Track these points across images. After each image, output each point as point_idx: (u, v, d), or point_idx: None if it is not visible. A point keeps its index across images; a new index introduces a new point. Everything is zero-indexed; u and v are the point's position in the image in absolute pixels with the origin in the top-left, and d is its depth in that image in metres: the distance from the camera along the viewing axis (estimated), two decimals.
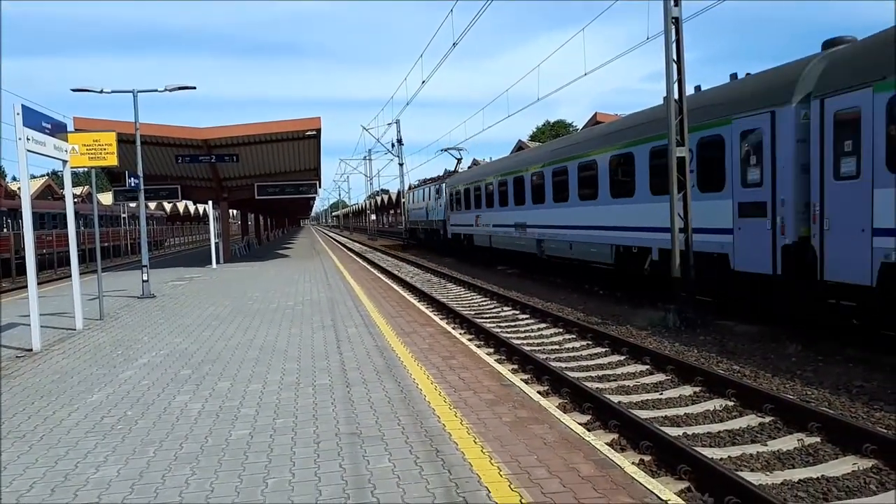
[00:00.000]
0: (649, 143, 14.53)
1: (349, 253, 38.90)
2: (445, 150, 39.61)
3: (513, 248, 24.29)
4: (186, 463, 5.24)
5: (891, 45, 8.92)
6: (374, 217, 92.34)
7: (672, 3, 12.47)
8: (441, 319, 12.62)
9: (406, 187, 51.16)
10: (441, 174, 41.17)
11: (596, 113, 34.40)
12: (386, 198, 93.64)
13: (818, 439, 6.55)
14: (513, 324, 14.09)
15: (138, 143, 18.41)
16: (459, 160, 39.16)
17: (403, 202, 44.34)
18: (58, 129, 11.34)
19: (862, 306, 9.84)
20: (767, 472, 5.91)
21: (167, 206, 72.84)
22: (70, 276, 12.80)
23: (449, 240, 34.80)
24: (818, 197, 9.96)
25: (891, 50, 8.87)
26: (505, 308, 16.28)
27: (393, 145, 52.25)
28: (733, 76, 13.16)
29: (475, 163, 43.87)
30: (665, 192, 13.21)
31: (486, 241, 27.66)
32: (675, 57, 12.56)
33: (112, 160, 13.34)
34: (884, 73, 8.82)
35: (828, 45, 11.01)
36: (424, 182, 42.97)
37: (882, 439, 6.09)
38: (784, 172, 10.68)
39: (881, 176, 8.90)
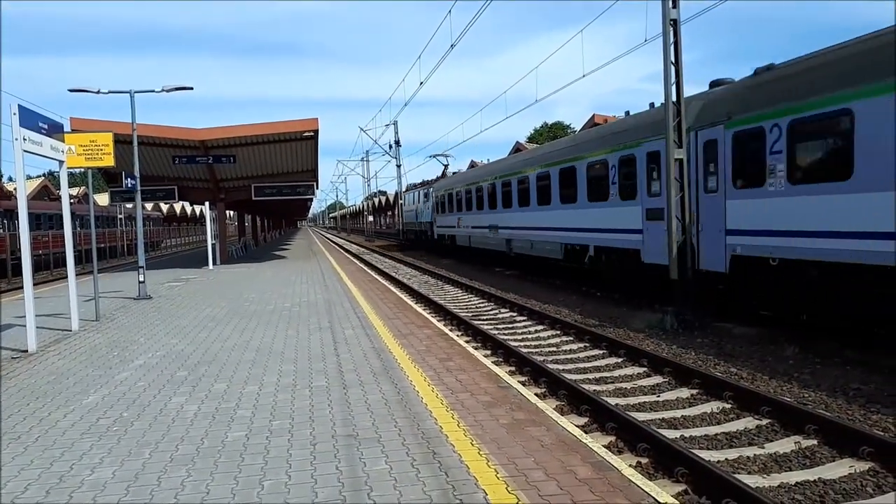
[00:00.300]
0: (585, 159, 17.72)
1: (346, 254, 38.87)
2: (433, 157, 43.62)
3: (487, 247, 27.36)
4: (182, 464, 5.22)
5: (737, 94, 12.13)
6: (371, 219, 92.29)
7: (670, 5, 12.49)
8: (438, 321, 12.60)
9: (403, 189, 51.23)
10: (439, 175, 43.66)
11: (594, 114, 34.42)
12: (383, 199, 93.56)
13: (815, 442, 6.55)
14: (510, 326, 14.09)
15: (135, 143, 18.38)
16: (446, 166, 42.77)
17: (401, 204, 45.70)
18: (54, 130, 11.32)
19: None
20: (764, 475, 5.91)
21: (164, 206, 72.78)
22: (66, 277, 12.76)
23: (435, 240, 37.95)
24: (695, 206, 12.78)
25: (736, 97, 12.05)
26: (503, 310, 16.27)
27: (391, 147, 52.29)
28: (713, 83, 13.56)
29: (473, 164, 44.73)
30: (598, 199, 16.70)
31: (466, 241, 30.87)
32: (673, 59, 12.58)
33: (109, 161, 13.31)
34: (730, 114, 11.85)
35: (713, 84, 13.43)
36: (415, 186, 45.62)
37: (879, 442, 6.09)
38: (689, 183, 12.95)
39: (730, 191, 11.86)
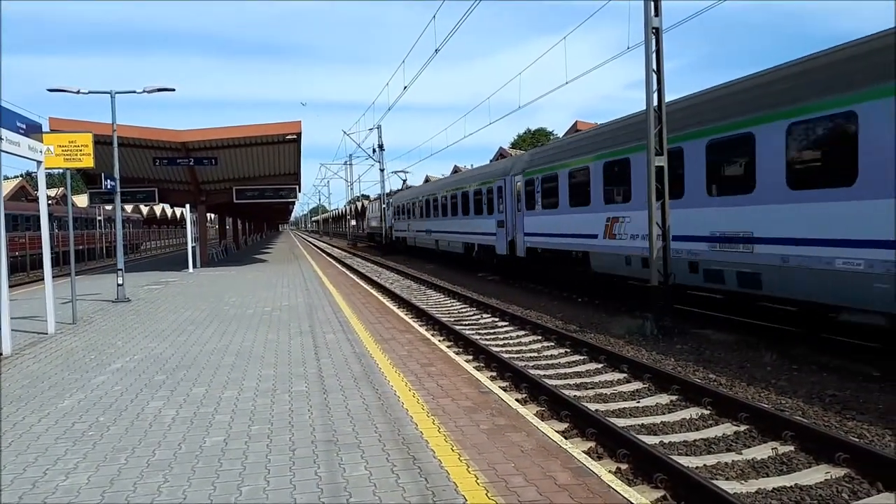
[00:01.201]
0: (470, 187, 27.38)
1: (328, 258, 38.72)
2: (395, 173, 53.11)
3: (426, 245, 36.49)
4: (159, 470, 5.16)
5: (526, 158, 21.73)
6: (354, 222, 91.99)
7: (652, 13, 12.59)
8: (420, 326, 12.58)
9: (386, 192, 51.34)
10: (398, 188, 52.40)
11: (577, 121, 34.62)
12: (367, 203, 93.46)
13: (792, 448, 6.61)
14: (492, 331, 14.10)
15: (115, 144, 18.19)
16: (405, 181, 52.65)
17: (384, 209, 49.04)
18: (32, 130, 11.17)
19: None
20: (742, 481, 5.95)
21: (144, 209, 72.00)
22: (43, 279, 12.58)
23: (392, 241, 47.39)
24: (516, 219, 21.94)
25: (525, 160, 21.27)
26: (484, 315, 16.29)
27: (374, 150, 52.13)
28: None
29: (456, 169, 45.53)
30: (477, 214, 26.50)
31: (413, 242, 40.20)
32: (655, 67, 12.68)
33: (88, 162, 13.15)
34: (523, 169, 21.24)
35: (535, 144, 27.45)
36: (378, 197, 54.49)
37: (854, 448, 6.16)
38: (510, 207, 22.55)
39: (525, 211, 20.95)
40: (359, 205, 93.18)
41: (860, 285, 9.07)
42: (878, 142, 8.78)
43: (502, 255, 23.28)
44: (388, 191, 52.02)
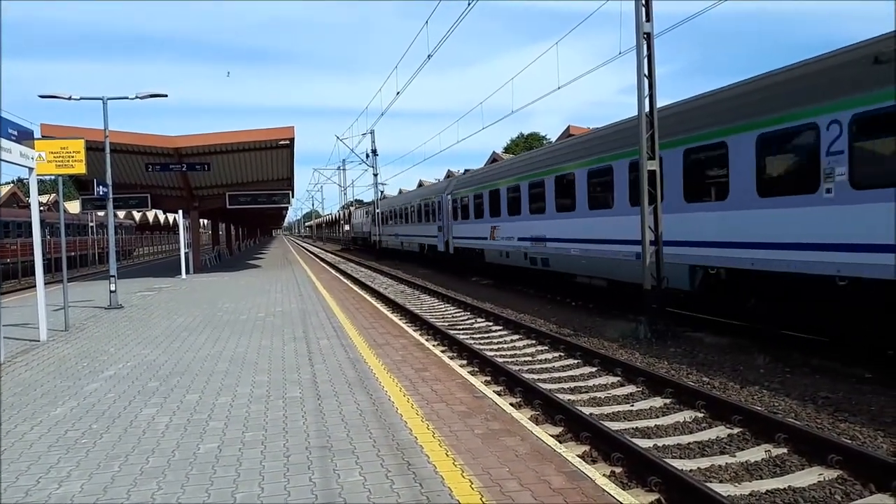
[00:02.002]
0: (419, 201, 35.93)
1: (322, 263, 38.67)
2: (374, 183, 59.86)
3: (396, 247, 44.09)
4: (153, 477, 5.14)
5: (455, 182, 30.35)
6: (347, 227, 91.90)
7: (644, 18, 12.66)
8: (414, 331, 12.57)
9: (380, 197, 51.39)
10: (417, 184, 56.10)
11: (569, 126, 34.71)
12: (353, 210, 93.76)
13: (785, 450, 6.64)
14: (486, 335, 14.10)
15: (108, 150, 18.13)
16: (383, 192, 59.89)
17: (365, 217, 58.47)
18: (24, 136, 11.14)
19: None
20: (736, 483, 5.97)
21: (136, 215, 71.68)
22: (35, 286, 12.53)
23: (372, 244, 52.61)
24: (450, 226, 29.44)
25: (455, 182, 30.13)
26: (478, 319, 16.29)
27: (367, 155, 52.15)
28: (466, 170, 30.00)
29: (449, 174, 45.89)
30: (427, 221, 34.17)
31: (387, 244, 47.18)
32: (646, 72, 12.75)
33: (80, 168, 13.13)
34: (451, 191, 29.30)
35: (465, 171, 33.98)
36: (361, 205, 62.73)
37: (847, 450, 6.19)
38: (446, 217, 29.82)
39: (451, 220, 29.17)
40: (352, 210, 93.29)
41: (611, 265, 15.34)
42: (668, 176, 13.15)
43: (441, 252, 31.40)
44: (382, 196, 52.20)
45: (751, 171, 10.91)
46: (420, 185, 54.04)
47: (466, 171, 33.44)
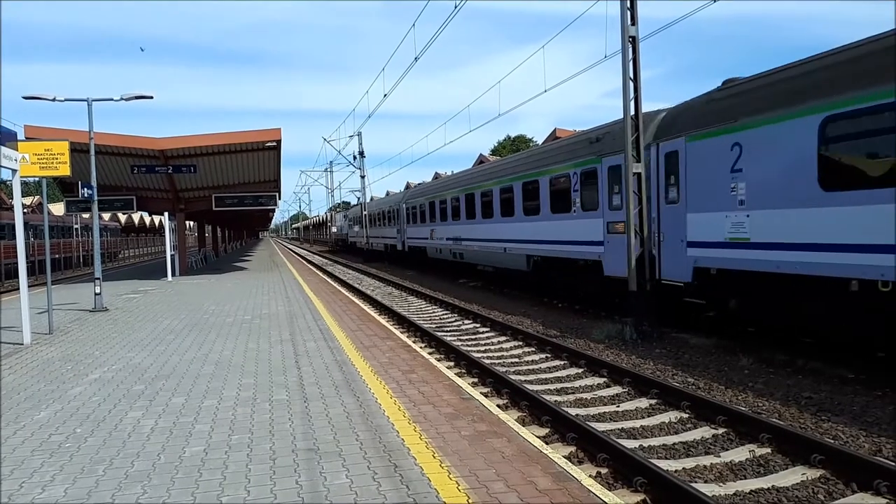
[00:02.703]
0: (378, 210, 44.62)
1: (309, 266, 38.57)
2: (352, 192, 69.87)
3: (365, 248, 49.81)
4: (138, 481, 5.12)
5: (408, 193, 37.23)
6: (334, 229, 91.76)
7: (629, 22, 12.75)
8: (402, 333, 12.58)
9: (368, 199, 51.38)
10: (405, 186, 57.09)
11: (556, 129, 34.83)
12: (334, 214, 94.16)
13: (769, 450, 6.70)
14: (473, 337, 14.12)
15: (92, 152, 18.00)
16: (359, 199, 65.59)
17: (330, 223, 67.79)
18: (7, 138, 11.06)
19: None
20: (720, 483, 6.03)
21: (122, 217, 71.16)
22: (18, 288, 12.41)
23: (348, 245, 61.07)
24: (405, 229, 35.96)
25: (408, 194, 37.05)
26: (466, 321, 16.31)
27: (355, 157, 52.07)
28: (407, 185, 32.71)
29: (437, 176, 46.30)
30: (388, 224, 40.68)
31: (357, 245, 54.48)
32: (631, 75, 12.83)
33: (64, 170, 13.02)
34: (405, 200, 36.44)
35: (407, 186, 48.51)
36: (340, 209, 71.52)
37: (829, 449, 6.26)
38: (402, 222, 36.64)
39: (405, 224, 35.92)
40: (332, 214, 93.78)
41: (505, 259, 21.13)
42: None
43: (400, 250, 37.02)
44: (369, 198, 52.30)
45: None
46: (407, 186, 54.92)
47: (419, 184, 43.33)
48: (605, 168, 14.69)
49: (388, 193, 58.51)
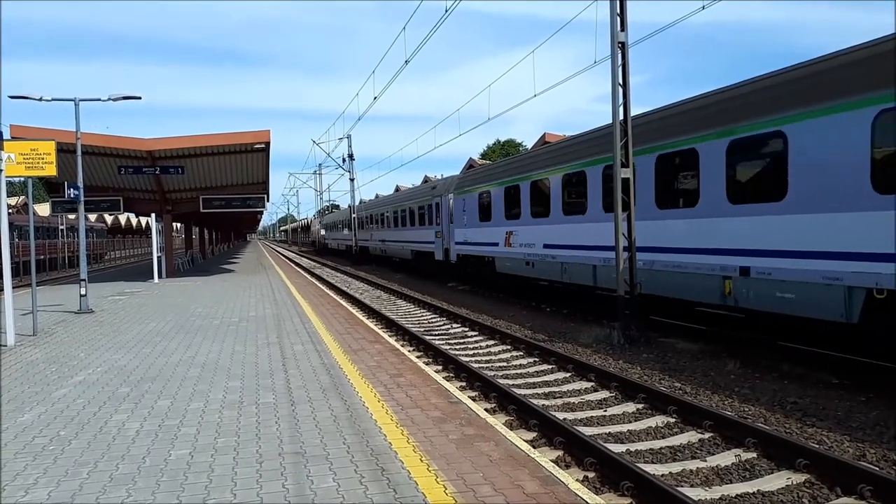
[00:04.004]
0: (339, 217, 61.19)
1: (297, 268, 38.43)
2: (330, 202, 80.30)
3: (336, 247, 60.39)
4: (122, 485, 5.07)
5: (363, 207, 49.18)
6: (323, 232, 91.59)
7: (619, 28, 12.82)
8: (390, 336, 12.56)
9: (357, 202, 51.35)
10: (394, 189, 58.70)
11: (545, 133, 34.93)
12: (312, 219, 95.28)
13: (755, 455, 6.74)
14: (462, 341, 14.12)
15: (79, 152, 17.87)
16: (337, 206, 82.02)
17: (311, 227, 77.46)
18: None
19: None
20: (706, 488, 6.05)
21: (108, 218, 70.63)
22: (2, 289, 12.28)
23: (324, 247, 71.55)
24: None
25: (362, 207, 49.05)
26: (454, 325, 16.31)
27: (344, 160, 51.99)
28: (362, 201, 42.22)
29: (426, 179, 46.49)
30: (346, 229, 53.04)
31: (329, 245, 66.74)
32: (621, 80, 12.89)
33: (50, 170, 12.90)
34: (358, 213, 48.28)
35: (362, 202, 54.51)
36: (319, 215, 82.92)
37: (814, 454, 6.31)
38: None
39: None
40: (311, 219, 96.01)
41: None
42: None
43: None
44: (358, 201, 52.27)
45: None
46: (397, 189, 55.37)
47: (361, 201, 53.19)
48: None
49: (377, 196, 58.71)
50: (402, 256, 35.37)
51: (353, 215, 47.94)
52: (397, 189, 55.66)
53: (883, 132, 8.24)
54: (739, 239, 10.57)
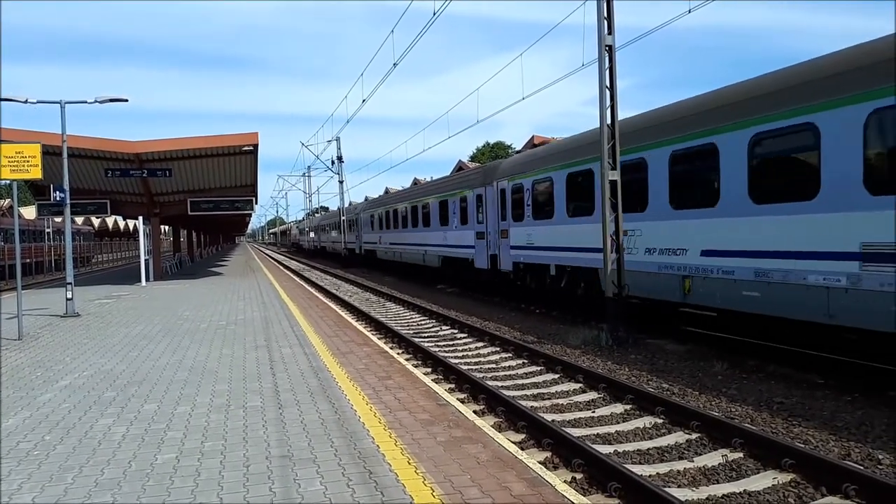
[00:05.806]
0: (327, 222, 61.64)
1: (286, 271, 38.30)
2: (319, 207, 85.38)
3: (313, 248, 69.46)
4: (108, 489, 5.04)
5: (362, 205, 46.70)
6: (312, 234, 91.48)
7: (606, 31, 12.87)
8: (379, 339, 12.54)
9: (347, 204, 51.33)
10: (384, 191, 57.84)
11: (533, 136, 35.01)
12: (294, 224, 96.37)
13: (741, 455, 6.78)
14: (450, 343, 14.12)
15: (65, 155, 17.74)
16: (318, 210, 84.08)
17: (291, 230, 79.76)
18: None
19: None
20: (693, 488, 6.08)
21: (95, 221, 70.13)
22: None
23: (301, 248, 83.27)
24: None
25: (359, 208, 47.04)
26: (444, 327, 16.30)
27: (333, 162, 51.92)
28: (351, 202, 44.87)
29: (415, 181, 46.84)
30: (335, 231, 55.43)
31: (306, 246, 76.87)
32: (608, 83, 12.95)
33: (36, 173, 12.82)
34: (359, 213, 45.74)
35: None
36: (301, 221, 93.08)
37: (800, 454, 6.35)
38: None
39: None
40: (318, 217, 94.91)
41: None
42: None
43: (350, 251, 45.29)
44: (347, 203, 52.20)
45: None
46: (386, 192, 55.11)
47: (325, 209, 65.34)
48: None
49: (366, 198, 58.42)
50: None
51: (343, 217, 48.93)
52: (387, 192, 55.52)
53: None
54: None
